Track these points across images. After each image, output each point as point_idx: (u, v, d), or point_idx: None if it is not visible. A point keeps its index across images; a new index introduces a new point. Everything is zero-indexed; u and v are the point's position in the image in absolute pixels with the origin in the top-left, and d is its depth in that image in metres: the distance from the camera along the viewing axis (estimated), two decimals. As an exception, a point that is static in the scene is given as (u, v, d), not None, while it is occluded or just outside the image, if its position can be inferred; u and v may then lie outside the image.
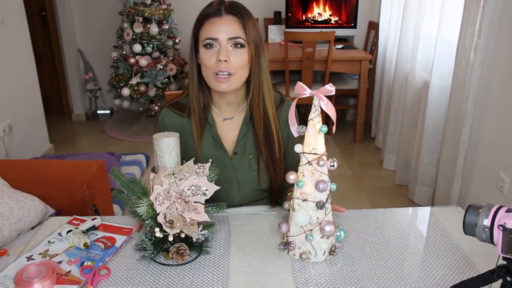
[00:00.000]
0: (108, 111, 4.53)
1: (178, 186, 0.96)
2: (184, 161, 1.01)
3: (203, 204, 0.98)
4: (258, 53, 1.15)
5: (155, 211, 0.96)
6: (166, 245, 1.02)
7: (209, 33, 1.11)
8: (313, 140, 0.96)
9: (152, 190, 0.96)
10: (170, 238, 0.99)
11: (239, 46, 1.12)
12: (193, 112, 1.20)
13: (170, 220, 0.96)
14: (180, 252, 0.99)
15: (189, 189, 0.96)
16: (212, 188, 0.98)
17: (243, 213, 1.23)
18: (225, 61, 1.10)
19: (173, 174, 0.97)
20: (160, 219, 0.96)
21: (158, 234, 0.99)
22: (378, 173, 3.25)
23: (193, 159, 1.00)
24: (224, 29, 1.10)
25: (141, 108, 4.22)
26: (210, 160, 1.23)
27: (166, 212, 0.96)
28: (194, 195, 0.97)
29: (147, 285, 0.94)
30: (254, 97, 1.19)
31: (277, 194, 1.30)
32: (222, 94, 1.20)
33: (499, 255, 0.73)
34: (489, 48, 2.14)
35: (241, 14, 1.12)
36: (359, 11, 3.93)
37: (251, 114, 1.22)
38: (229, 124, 1.25)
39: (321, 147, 0.97)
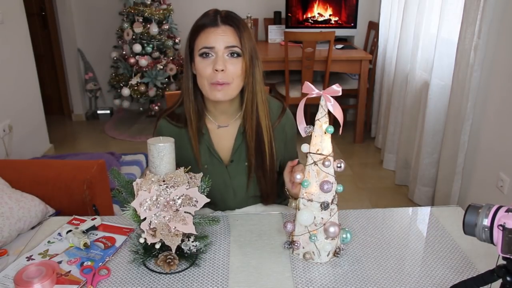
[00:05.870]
0: (108, 111, 4.53)
1: (168, 194, 0.94)
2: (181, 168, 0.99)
3: (192, 215, 0.95)
4: (252, 63, 1.15)
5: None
6: (156, 252, 1.00)
7: (206, 42, 1.10)
8: (319, 140, 0.96)
9: (136, 195, 0.94)
10: (157, 246, 0.97)
11: (235, 55, 1.12)
12: (189, 122, 1.20)
13: (153, 228, 0.93)
14: (168, 261, 0.97)
15: (179, 198, 0.94)
16: (202, 200, 0.96)
17: (243, 213, 1.23)
18: (222, 70, 1.10)
19: (163, 181, 0.95)
20: (144, 225, 0.93)
21: (142, 240, 0.96)
22: (378, 173, 3.25)
23: (183, 167, 0.98)
24: (221, 38, 1.10)
25: (141, 108, 4.21)
26: (206, 166, 1.23)
27: (153, 219, 0.93)
28: (184, 205, 0.95)
29: (147, 285, 0.94)
30: (248, 108, 1.18)
31: (267, 197, 1.31)
32: (217, 103, 1.19)
33: (499, 255, 0.73)
34: (489, 48, 2.14)
35: (237, 24, 1.12)
36: (359, 11, 3.93)
37: (244, 124, 1.22)
38: (224, 131, 1.25)
39: (327, 148, 0.96)
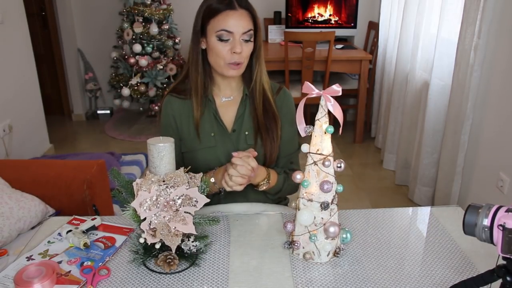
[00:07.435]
0: (108, 111, 4.53)
1: (168, 194, 0.94)
2: (182, 166, 0.99)
3: (192, 215, 0.96)
4: (261, 42, 1.27)
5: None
6: (156, 252, 1.00)
7: (225, 25, 1.18)
8: (319, 140, 0.96)
9: (136, 195, 0.94)
10: (157, 246, 0.97)
11: (248, 38, 1.21)
12: (194, 92, 1.28)
13: (153, 228, 0.93)
14: (168, 261, 0.97)
15: (179, 198, 0.95)
16: (202, 200, 0.96)
17: (243, 213, 1.23)
18: (240, 53, 1.20)
19: (163, 181, 0.95)
20: (144, 225, 0.93)
21: (142, 240, 0.96)
22: (378, 173, 3.25)
23: (183, 168, 0.99)
24: (239, 23, 1.19)
25: (141, 108, 4.21)
26: (213, 134, 1.28)
27: (153, 219, 0.94)
28: (184, 205, 0.95)
29: (147, 285, 0.94)
30: (257, 81, 1.29)
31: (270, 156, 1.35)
32: (226, 78, 1.28)
33: (499, 255, 0.73)
34: (489, 48, 2.14)
35: (252, 7, 1.22)
36: (359, 11, 3.93)
37: (251, 94, 1.31)
38: (228, 103, 1.33)
39: (327, 148, 0.96)
